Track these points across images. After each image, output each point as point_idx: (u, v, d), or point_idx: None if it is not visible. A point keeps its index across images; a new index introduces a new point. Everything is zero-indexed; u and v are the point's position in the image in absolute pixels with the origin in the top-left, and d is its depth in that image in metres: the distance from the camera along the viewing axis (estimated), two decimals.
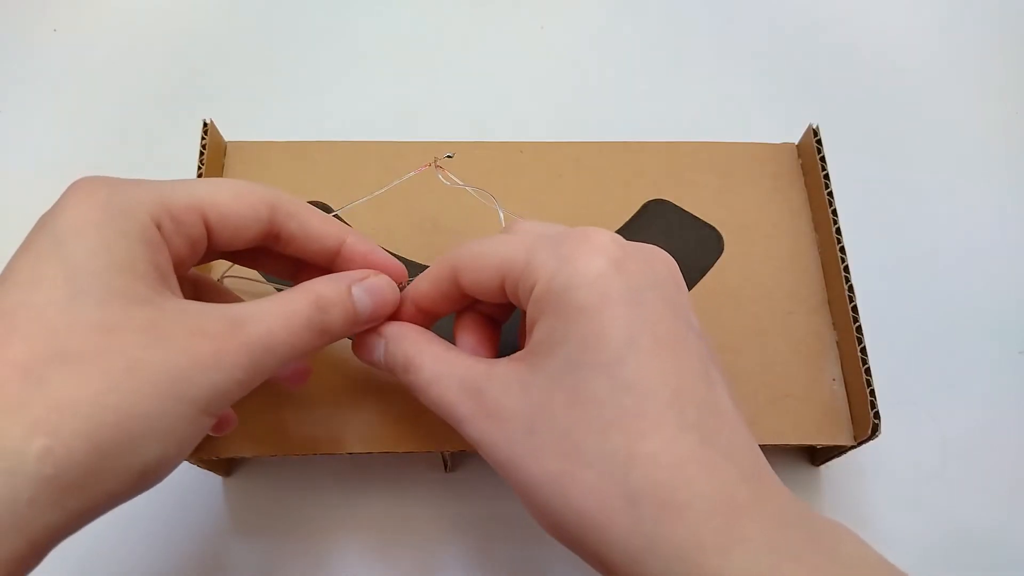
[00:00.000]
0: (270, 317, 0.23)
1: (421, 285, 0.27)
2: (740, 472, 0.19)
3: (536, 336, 0.22)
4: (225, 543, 0.36)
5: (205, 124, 0.35)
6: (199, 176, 0.34)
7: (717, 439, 0.20)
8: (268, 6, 0.52)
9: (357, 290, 0.25)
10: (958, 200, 0.46)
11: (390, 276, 0.27)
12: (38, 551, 0.19)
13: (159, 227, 0.23)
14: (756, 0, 0.53)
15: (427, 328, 0.27)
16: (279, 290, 0.32)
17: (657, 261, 0.23)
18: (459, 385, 0.24)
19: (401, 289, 0.28)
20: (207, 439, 0.30)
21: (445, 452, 0.31)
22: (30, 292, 0.20)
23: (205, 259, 0.26)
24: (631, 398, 0.20)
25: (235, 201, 0.25)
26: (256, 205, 0.25)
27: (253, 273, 0.32)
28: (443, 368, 0.24)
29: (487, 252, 0.24)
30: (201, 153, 0.34)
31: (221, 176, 0.36)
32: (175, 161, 0.39)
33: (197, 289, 0.28)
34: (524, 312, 0.24)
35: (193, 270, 0.28)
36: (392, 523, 0.36)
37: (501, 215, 0.31)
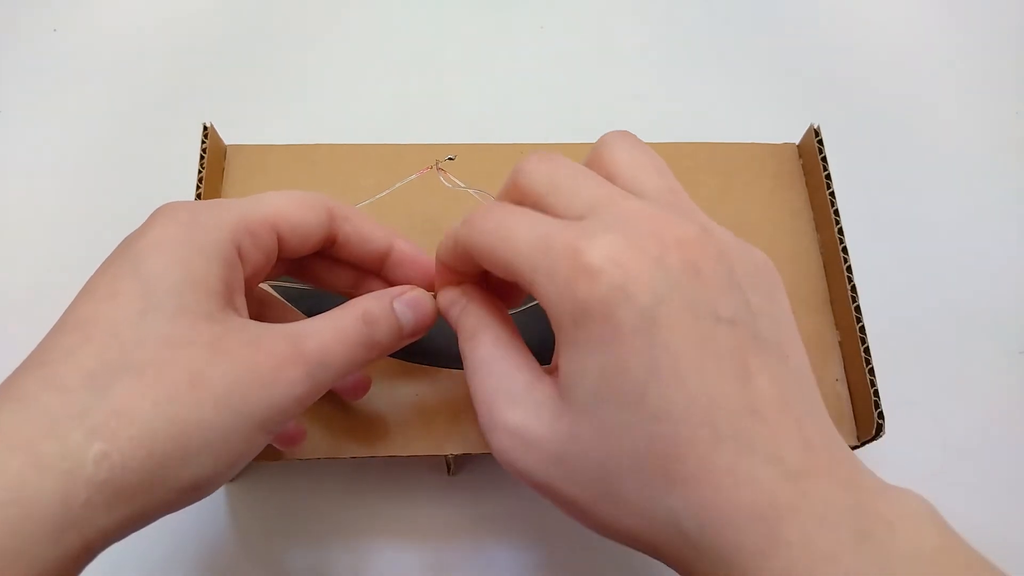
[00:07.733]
0: (324, 333, 0.24)
1: (443, 253, 0.27)
2: (782, 471, 0.19)
3: (561, 362, 0.22)
4: (227, 547, 0.36)
5: (205, 128, 0.35)
6: (199, 180, 0.34)
7: (755, 442, 0.19)
8: (268, 9, 0.52)
9: (399, 305, 0.26)
10: (959, 200, 0.46)
11: (432, 282, 0.28)
12: (90, 553, 0.20)
13: (239, 246, 0.24)
14: (756, 0, 0.53)
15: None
16: (308, 291, 0.32)
17: (668, 253, 0.20)
18: (497, 387, 0.23)
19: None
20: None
21: (448, 455, 0.31)
22: (106, 305, 0.21)
23: (274, 272, 0.28)
24: (660, 426, 0.19)
25: (300, 209, 0.26)
26: (317, 211, 0.26)
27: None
28: (493, 361, 0.24)
29: (494, 246, 0.23)
30: (201, 157, 0.34)
31: (221, 180, 0.36)
32: (175, 164, 0.39)
33: (262, 305, 0.29)
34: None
35: (258, 287, 0.29)
36: (395, 526, 0.36)
37: None
